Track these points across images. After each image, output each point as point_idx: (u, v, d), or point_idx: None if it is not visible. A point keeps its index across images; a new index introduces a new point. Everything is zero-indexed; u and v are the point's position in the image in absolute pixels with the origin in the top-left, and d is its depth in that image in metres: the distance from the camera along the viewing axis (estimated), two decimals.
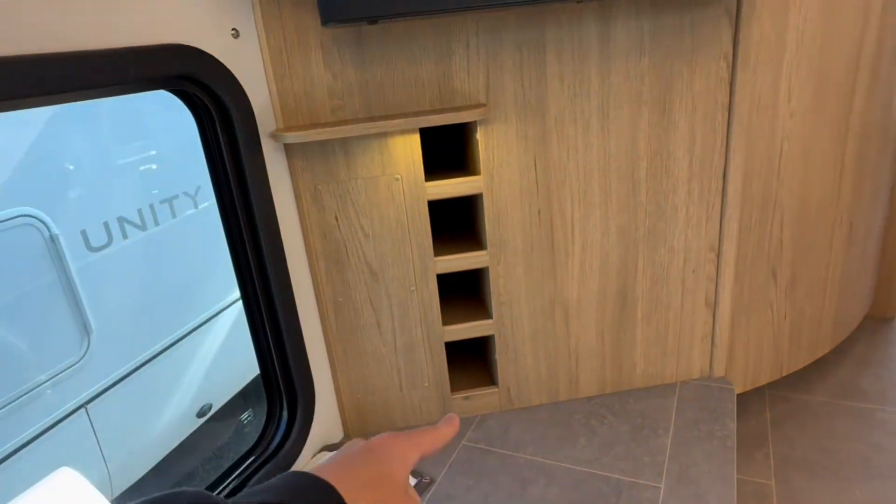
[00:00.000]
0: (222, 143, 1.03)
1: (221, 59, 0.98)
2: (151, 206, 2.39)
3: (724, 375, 1.48)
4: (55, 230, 2.00)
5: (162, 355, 2.39)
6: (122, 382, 2.24)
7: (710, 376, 1.48)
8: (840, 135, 1.40)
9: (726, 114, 1.24)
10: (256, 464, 1.14)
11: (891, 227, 1.89)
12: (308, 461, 1.26)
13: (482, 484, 1.22)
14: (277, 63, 1.08)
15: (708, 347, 1.45)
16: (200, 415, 2.58)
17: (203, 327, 2.59)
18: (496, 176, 1.22)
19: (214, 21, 0.97)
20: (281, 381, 1.18)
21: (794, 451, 1.51)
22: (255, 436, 1.21)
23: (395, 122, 1.08)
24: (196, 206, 2.61)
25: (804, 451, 1.51)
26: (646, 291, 1.37)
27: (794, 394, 1.70)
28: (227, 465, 1.12)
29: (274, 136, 1.09)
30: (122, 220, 2.25)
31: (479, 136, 1.18)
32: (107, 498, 0.98)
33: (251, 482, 1.10)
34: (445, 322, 1.33)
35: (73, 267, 2.05)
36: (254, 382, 2.78)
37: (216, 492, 1.05)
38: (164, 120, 2.49)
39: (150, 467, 2.33)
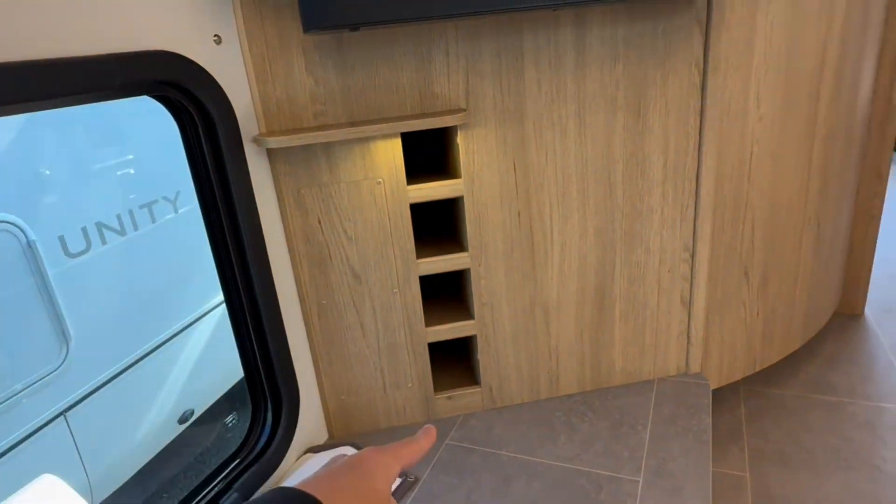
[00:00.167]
0: (205, 148, 1.04)
1: (204, 66, 0.99)
2: (131, 212, 2.37)
3: (699, 372, 1.52)
4: (32, 236, 1.98)
5: (142, 361, 2.37)
6: (102, 389, 2.21)
7: (687, 373, 1.52)
8: (807, 138, 1.45)
9: (698, 118, 1.28)
10: (241, 466, 1.14)
11: (857, 227, 1.96)
12: (293, 463, 1.27)
13: (466, 482, 1.24)
14: (260, 69, 1.10)
15: (684, 345, 1.49)
16: (182, 421, 2.56)
17: (184, 332, 2.57)
18: (476, 179, 1.24)
19: (197, 28, 0.98)
20: (265, 384, 1.19)
21: (767, 444, 1.56)
22: (239, 439, 1.21)
23: (377, 126, 1.10)
24: (176, 210, 2.59)
25: (777, 443, 1.56)
26: (623, 291, 1.41)
27: (767, 389, 1.76)
28: (210, 469, 1.13)
29: (256, 140, 1.10)
30: (100, 226, 2.23)
31: (460, 140, 1.21)
32: None
33: (236, 485, 1.11)
34: (428, 323, 1.35)
35: (50, 273, 2.03)
36: (237, 386, 2.77)
37: (201, 495, 1.06)
38: (141, 124, 2.47)
39: (130, 475, 2.31)
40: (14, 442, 1.90)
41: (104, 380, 2.21)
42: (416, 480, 1.25)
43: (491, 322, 1.37)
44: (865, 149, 1.85)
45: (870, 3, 1.50)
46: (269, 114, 1.13)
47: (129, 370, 2.31)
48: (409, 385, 1.39)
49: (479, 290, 1.34)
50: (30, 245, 1.95)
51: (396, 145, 1.18)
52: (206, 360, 2.64)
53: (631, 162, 1.29)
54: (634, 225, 1.35)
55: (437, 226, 1.47)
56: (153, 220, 2.47)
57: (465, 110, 1.17)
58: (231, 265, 1.12)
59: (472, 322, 1.37)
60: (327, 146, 1.16)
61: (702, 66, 1.24)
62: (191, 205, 2.58)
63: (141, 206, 2.42)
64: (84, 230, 2.16)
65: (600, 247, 1.36)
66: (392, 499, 0.42)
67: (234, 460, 1.15)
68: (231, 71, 1.05)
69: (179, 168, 2.45)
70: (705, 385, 1.48)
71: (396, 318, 1.32)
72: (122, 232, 2.31)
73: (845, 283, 2.04)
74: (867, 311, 2.11)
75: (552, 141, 1.24)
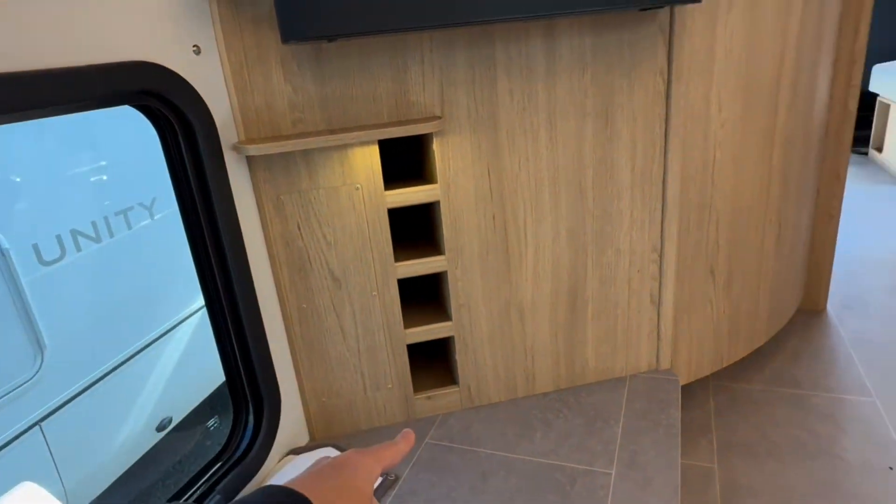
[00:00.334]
0: (185, 156, 1.06)
1: (183, 75, 1.01)
2: (106, 219, 2.36)
3: (669, 368, 1.58)
4: (5, 244, 1.95)
5: (119, 369, 2.35)
6: (78, 398, 2.19)
7: (657, 369, 1.58)
8: (767, 143, 1.52)
9: (664, 125, 1.34)
10: (224, 469, 1.16)
11: (817, 227, 2.05)
12: (275, 465, 1.29)
13: (445, 479, 1.27)
14: (238, 78, 1.12)
15: (654, 342, 1.55)
16: (160, 428, 2.54)
17: (162, 339, 2.55)
18: (452, 184, 1.28)
19: (176, 39, 1.00)
20: (247, 387, 1.20)
21: (735, 437, 1.62)
22: (219, 444, 1.23)
23: (354, 134, 1.13)
24: (152, 216, 2.58)
25: (744, 435, 1.62)
26: (595, 291, 1.46)
27: (734, 383, 1.82)
28: (189, 475, 1.14)
29: (236, 148, 1.12)
30: (75, 233, 2.21)
31: (436, 146, 1.24)
32: None
33: (219, 487, 1.12)
34: (407, 325, 1.38)
35: (24, 281, 2.01)
36: (218, 391, 2.75)
37: (185, 497, 1.07)
38: (114, 130, 2.45)
39: (108, 484, 2.28)
40: None
41: (80, 388, 2.18)
42: (397, 479, 1.28)
43: (468, 323, 1.41)
44: (824, 153, 1.93)
45: (823, 16, 1.58)
46: (248, 122, 1.15)
47: (106, 378, 2.29)
48: (389, 386, 1.42)
49: (457, 292, 1.38)
50: (2, 253, 1.93)
51: (374, 152, 1.21)
52: (185, 366, 2.63)
53: (600, 167, 1.34)
54: (605, 227, 1.40)
55: (415, 229, 1.50)
56: (129, 227, 2.45)
57: (440, 118, 1.21)
58: (212, 271, 1.14)
59: (449, 323, 1.40)
60: (306, 153, 1.19)
61: (666, 75, 1.30)
62: (166, 210, 2.57)
63: (116, 213, 2.40)
64: (59, 238, 2.15)
65: (572, 249, 1.40)
66: (374, 498, 0.45)
67: (216, 463, 1.16)
68: (210, 80, 1.08)
69: (155, 174, 2.44)
70: (675, 381, 1.53)
71: (376, 320, 1.35)
72: (97, 239, 2.29)
73: (807, 281, 2.13)
74: (829, 307, 2.20)
75: (524, 147, 1.29)
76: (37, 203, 2.13)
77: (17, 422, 1.97)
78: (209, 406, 2.72)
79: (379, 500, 1.18)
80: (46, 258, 2.10)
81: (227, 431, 1.24)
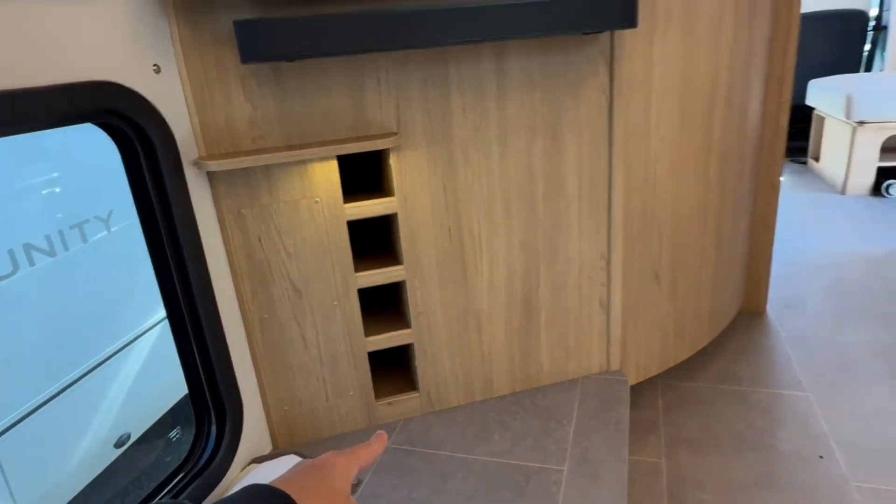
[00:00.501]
0: (146, 172, 1.08)
1: (144, 94, 1.04)
2: (60, 232, 2.32)
3: (619, 369, 1.66)
4: None
5: (75, 386, 2.31)
6: (31, 417, 2.15)
7: (608, 371, 1.66)
8: (704, 156, 1.63)
9: (608, 140, 1.42)
10: (186, 479, 1.18)
11: (755, 234, 2.18)
12: (238, 475, 1.31)
13: (406, 481, 1.32)
14: (199, 96, 1.15)
15: (604, 345, 1.63)
16: (119, 445, 2.50)
17: (120, 354, 2.52)
18: (409, 197, 1.34)
19: (136, 58, 1.03)
20: (209, 398, 1.23)
21: (681, 433, 1.72)
22: (179, 458, 1.24)
23: (313, 150, 1.18)
24: (108, 229, 2.55)
25: (690, 431, 1.72)
26: (548, 298, 1.54)
27: (681, 382, 1.93)
28: (149, 490, 1.15)
29: (196, 164, 1.16)
30: (28, 247, 2.17)
31: (392, 161, 1.30)
32: None
33: (182, 497, 1.14)
34: (368, 333, 1.43)
35: None
36: (180, 403, 2.72)
37: None
38: (66, 142, 2.42)
39: (64, 503, 2.24)
40: None
41: (34, 406, 2.14)
42: (360, 482, 1.32)
43: (427, 330, 1.46)
44: (759, 164, 2.07)
45: (753, 38, 1.71)
46: (208, 138, 1.18)
47: (61, 395, 2.25)
48: (351, 393, 1.46)
49: (415, 301, 1.43)
50: None
51: (333, 167, 1.26)
52: (145, 380, 2.60)
53: (550, 180, 1.42)
54: (556, 237, 1.48)
55: (376, 240, 1.55)
56: (84, 240, 2.42)
57: (396, 134, 1.27)
58: (173, 283, 1.16)
59: (408, 331, 1.45)
60: (266, 168, 1.23)
61: (608, 93, 1.39)
62: (124, 223, 2.54)
63: (71, 227, 2.37)
64: (11, 252, 2.10)
65: (525, 258, 1.48)
66: (350, 496, 0.49)
67: (179, 472, 1.18)
68: (171, 98, 1.11)
69: (111, 186, 2.42)
70: (624, 381, 1.62)
71: (337, 329, 1.39)
72: (51, 252, 2.25)
73: (748, 284, 2.26)
74: (769, 308, 2.33)
75: (478, 162, 1.35)
76: None
77: None
78: (171, 417, 2.68)
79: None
80: None
81: (189, 442, 1.26)
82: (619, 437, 1.41)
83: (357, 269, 1.36)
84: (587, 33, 1.27)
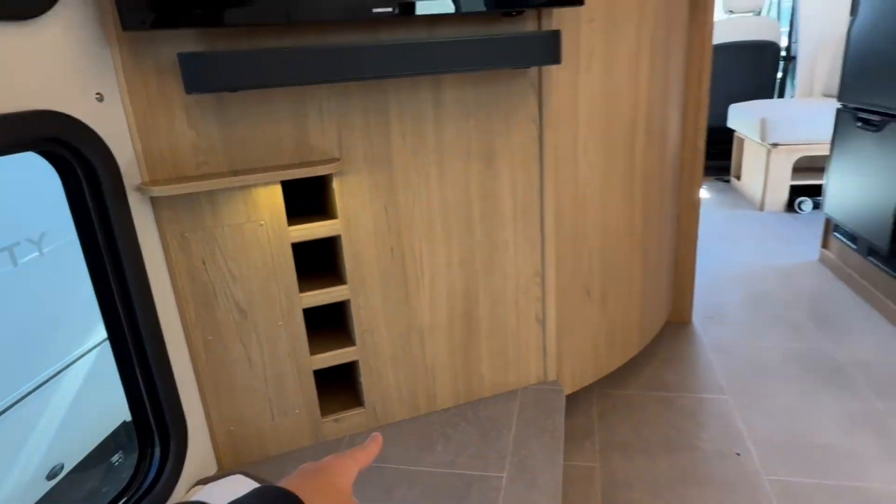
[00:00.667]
0: (88, 198, 1.10)
1: (86, 122, 1.06)
2: None
3: (555, 379, 1.76)
4: None
5: (1, 417, 2.21)
6: None
7: (545, 381, 1.76)
8: (628, 180, 1.77)
9: (539, 165, 1.53)
10: (131, 502, 1.18)
11: (680, 249, 2.35)
12: (182, 497, 1.31)
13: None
14: (142, 123, 1.18)
15: (541, 357, 1.73)
16: (51, 476, 2.40)
17: (53, 380, 2.43)
18: (352, 219, 1.40)
19: (79, 87, 1.05)
20: (152, 421, 1.23)
21: (614, 438, 1.82)
22: (116, 488, 1.23)
23: (257, 176, 1.22)
24: (41, 251, 2.47)
25: (622, 436, 1.83)
26: (487, 313, 1.62)
27: (614, 390, 2.05)
28: None
29: (140, 189, 1.18)
30: None
31: (335, 185, 1.35)
32: None
33: None
34: (313, 351, 1.46)
35: None
36: (120, 428, 2.64)
37: None
38: None
39: None
40: None
41: None
42: None
43: (371, 347, 1.52)
44: (680, 185, 2.24)
45: (669, 70, 1.87)
46: (152, 165, 1.20)
47: None
48: (297, 412, 1.49)
49: (360, 319, 1.48)
50: None
51: (277, 191, 1.30)
52: (81, 406, 2.51)
53: (486, 202, 1.51)
54: (493, 255, 1.57)
55: (323, 260, 1.60)
56: (14, 264, 2.33)
57: (338, 160, 1.33)
58: (115, 307, 1.17)
59: (353, 348, 1.50)
60: (211, 193, 1.26)
61: (538, 122, 1.49)
62: (57, 244, 2.47)
63: (0, 250, 2.28)
64: None
65: (465, 275, 1.55)
66: (353, 497, 0.53)
67: (122, 497, 1.18)
68: (114, 126, 1.13)
69: (43, 208, 2.35)
70: (559, 391, 1.72)
71: (282, 349, 1.42)
72: None
73: (674, 296, 2.42)
74: (694, 318, 2.51)
75: (417, 185, 1.43)
76: None
77: None
78: (113, 442, 2.60)
79: None
80: None
81: (133, 466, 1.25)
82: (555, 444, 1.50)
83: (302, 290, 1.40)
84: (516, 68, 1.38)
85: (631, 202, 1.81)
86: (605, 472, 1.69)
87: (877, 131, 2.34)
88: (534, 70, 1.44)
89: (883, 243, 2.31)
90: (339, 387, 1.65)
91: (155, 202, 1.23)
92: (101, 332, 2.53)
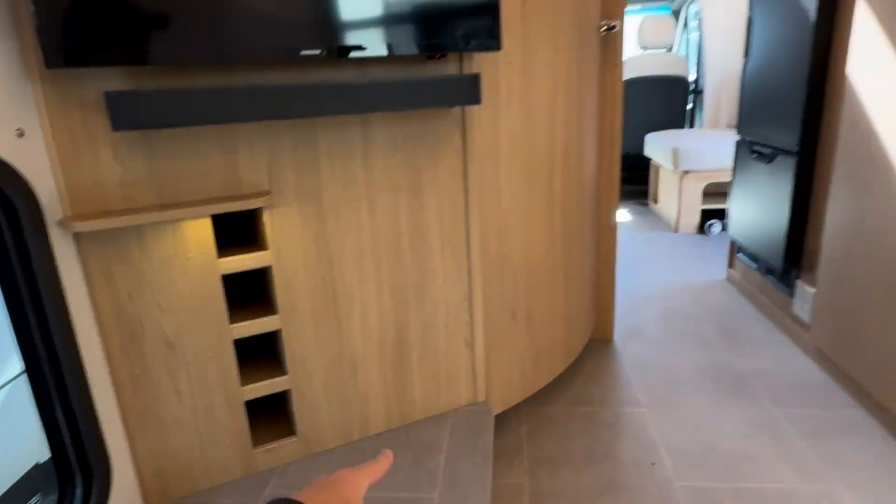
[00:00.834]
0: (6, 234, 1.08)
1: (5, 157, 1.05)
2: None
3: (485, 400, 1.83)
4: None
5: None
6: None
7: (475, 402, 1.83)
8: (548, 208, 1.89)
9: (464, 196, 1.62)
10: None
11: (600, 271, 2.51)
12: None
13: None
14: (66, 159, 1.17)
15: (471, 379, 1.80)
16: None
17: None
18: (283, 250, 1.43)
19: None
20: (74, 459, 1.20)
21: (542, 453, 1.91)
22: None
23: (185, 210, 1.24)
24: None
25: (549, 451, 1.92)
26: (418, 339, 1.68)
27: (541, 407, 2.14)
28: None
29: (62, 224, 1.17)
30: None
31: (266, 218, 1.38)
32: None
33: None
34: (245, 382, 1.47)
35: None
36: (34, 470, 2.47)
37: None
38: None
39: None
40: None
41: None
42: None
43: (304, 376, 1.54)
44: (598, 211, 2.40)
45: (583, 106, 2.02)
46: (75, 199, 1.20)
47: None
48: (227, 443, 1.48)
49: (291, 348, 1.50)
50: None
51: (206, 224, 1.32)
52: None
53: (415, 233, 1.58)
54: (423, 283, 1.64)
55: (254, 289, 1.61)
56: None
57: (269, 193, 1.36)
58: (33, 344, 1.15)
59: (285, 378, 1.51)
60: (138, 227, 1.26)
61: (463, 156, 1.59)
62: None
63: None
64: None
65: (395, 303, 1.61)
66: None
67: None
68: (35, 161, 1.12)
69: None
70: (488, 411, 1.79)
71: (212, 380, 1.42)
72: None
73: (597, 315, 2.57)
74: (615, 336, 2.66)
75: (347, 217, 1.48)
76: None
77: None
78: (28, 484, 2.44)
79: None
80: None
81: None
82: (484, 462, 1.57)
83: (233, 320, 1.41)
84: (440, 107, 1.46)
85: (552, 228, 1.93)
86: (533, 486, 1.77)
87: (769, 163, 2.60)
88: (457, 109, 1.53)
89: (777, 264, 2.56)
90: (271, 416, 1.65)
91: (79, 237, 1.22)
92: (10, 371, 2.39)
